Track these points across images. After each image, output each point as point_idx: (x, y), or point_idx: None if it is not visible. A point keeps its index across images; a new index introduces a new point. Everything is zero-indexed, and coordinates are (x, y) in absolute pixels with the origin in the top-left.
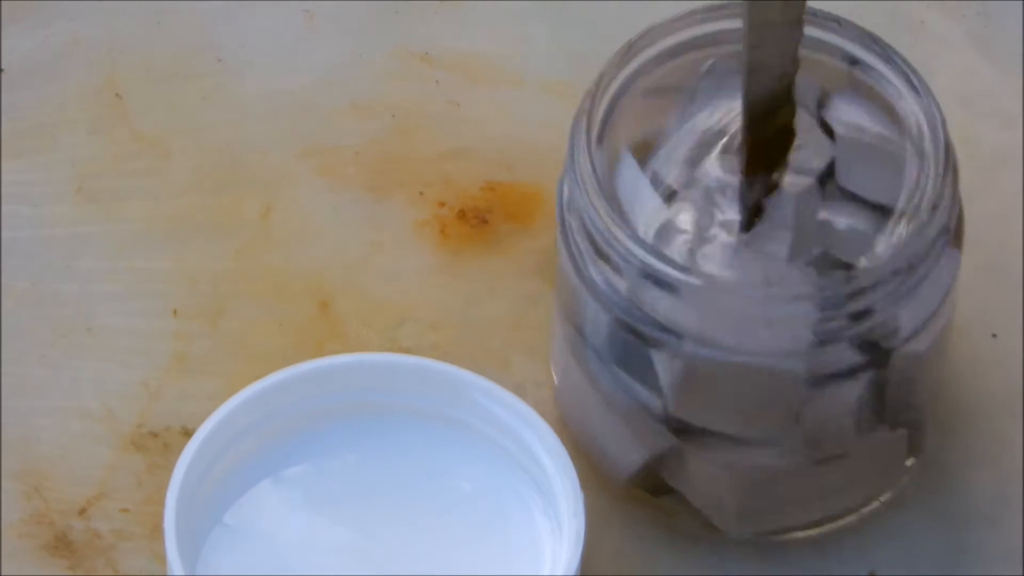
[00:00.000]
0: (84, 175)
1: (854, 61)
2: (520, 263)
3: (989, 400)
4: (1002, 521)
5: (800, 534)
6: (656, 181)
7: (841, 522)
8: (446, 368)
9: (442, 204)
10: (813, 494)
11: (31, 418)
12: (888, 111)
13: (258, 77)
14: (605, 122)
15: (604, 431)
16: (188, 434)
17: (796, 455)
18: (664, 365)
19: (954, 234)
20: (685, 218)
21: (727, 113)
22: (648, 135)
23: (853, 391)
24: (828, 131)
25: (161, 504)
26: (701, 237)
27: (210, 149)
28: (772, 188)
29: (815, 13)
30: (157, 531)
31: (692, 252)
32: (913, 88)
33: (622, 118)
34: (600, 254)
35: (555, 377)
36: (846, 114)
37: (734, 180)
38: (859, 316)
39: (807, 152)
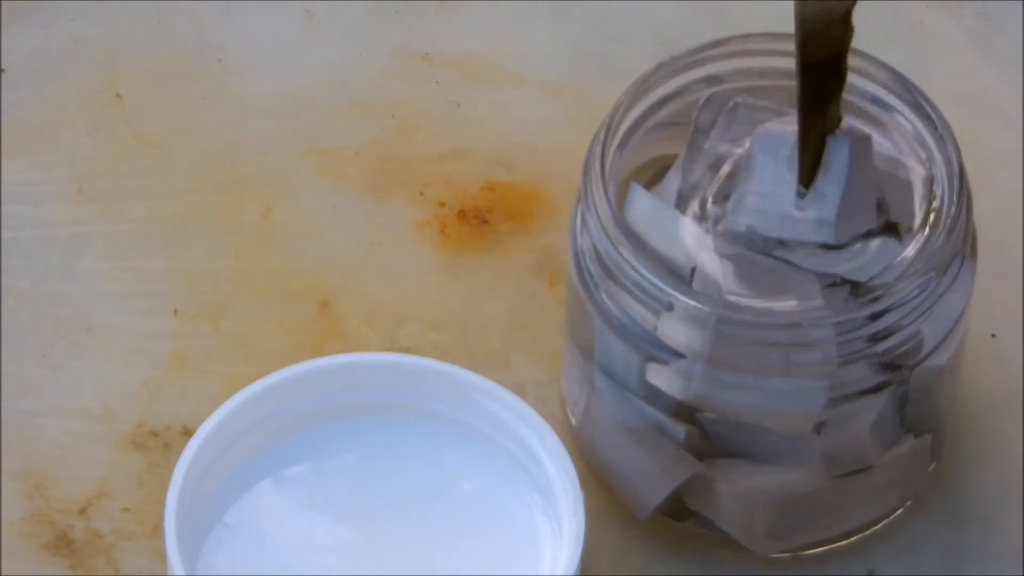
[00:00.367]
0: (84, 175)
1: (876, 101)
2: (520, 263)
3: (989, 400)
4: (1002, 521)
5: (832, 546)
6: (677, 208)
7: (872, 530)
8: (446, 368)
9: (442, 204)
10: (842, 506)
11: (31, 418)
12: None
13: (258, 77)
14: (616, 155)
15: (627, 464)
16: (188, 434)
17: (820, 471)
18: (684, 390)
19: (970, 246)
20: (704, 243)
21: (736, 143)
22: (656, 167)
23: (875, 407)
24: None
25: (161, 504)
26: (725, 261)
27: (210, 149)
28: (832, 127)
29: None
30: (157, 530)
31: (718, 277)
32: (938, 137)
33: (632, 151)
34: (619, 284)
35: (572, 418)
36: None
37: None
38: (879, 337)
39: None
